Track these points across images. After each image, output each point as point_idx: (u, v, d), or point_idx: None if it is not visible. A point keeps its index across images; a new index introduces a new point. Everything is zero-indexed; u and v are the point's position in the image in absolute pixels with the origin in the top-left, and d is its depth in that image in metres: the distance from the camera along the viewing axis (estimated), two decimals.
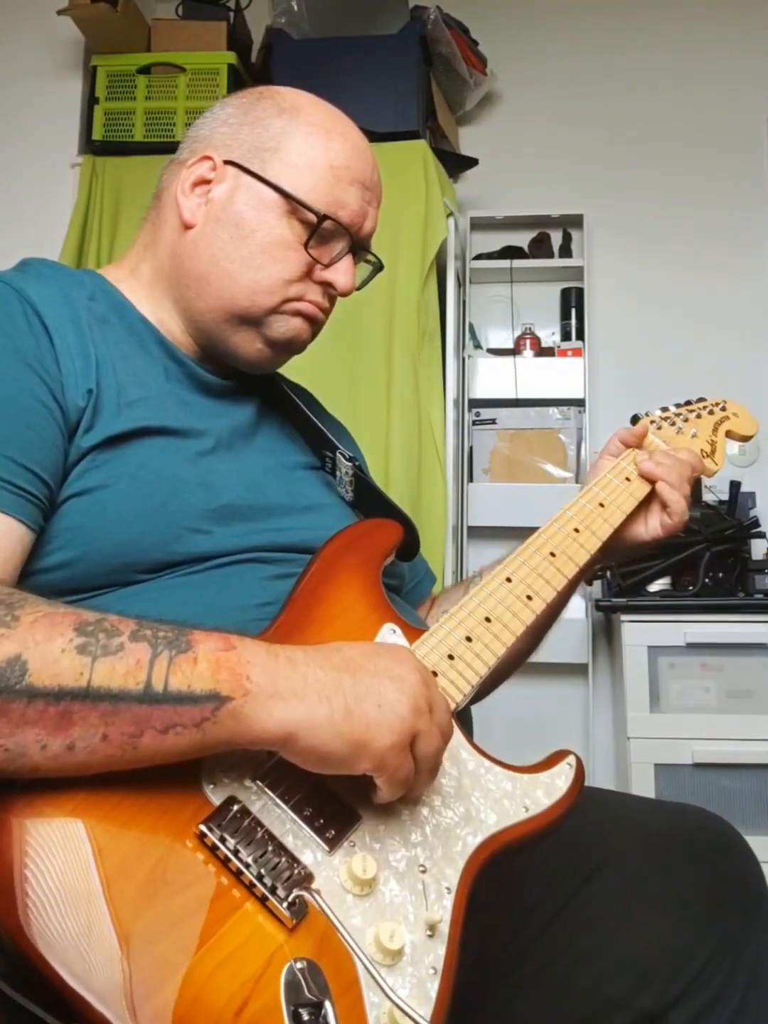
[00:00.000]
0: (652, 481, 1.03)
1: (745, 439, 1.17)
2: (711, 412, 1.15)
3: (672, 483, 1.02)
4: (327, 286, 0.96)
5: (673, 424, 1.11)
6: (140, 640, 0.65)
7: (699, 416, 1.14)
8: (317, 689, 0.67)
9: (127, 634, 0.65)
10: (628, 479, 1.03)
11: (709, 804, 1.00)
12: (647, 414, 1.12)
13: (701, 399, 1.17)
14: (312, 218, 0.92)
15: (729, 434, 1.15)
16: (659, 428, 1.10)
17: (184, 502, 0.85)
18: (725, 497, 2.53)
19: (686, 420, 1.12)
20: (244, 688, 0.65)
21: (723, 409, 1.16)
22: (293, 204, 0.92)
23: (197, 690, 0.64)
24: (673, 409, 1.14)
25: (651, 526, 1.05)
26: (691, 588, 2.43)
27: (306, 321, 0.96)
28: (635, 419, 1.11)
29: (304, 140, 0.94)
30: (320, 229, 0.93)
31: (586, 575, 1.09)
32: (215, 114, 1.00)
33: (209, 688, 0.65)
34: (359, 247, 0.98)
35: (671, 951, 0.86)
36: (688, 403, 1.16)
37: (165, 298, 0.97)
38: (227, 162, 0.95)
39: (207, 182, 0.96)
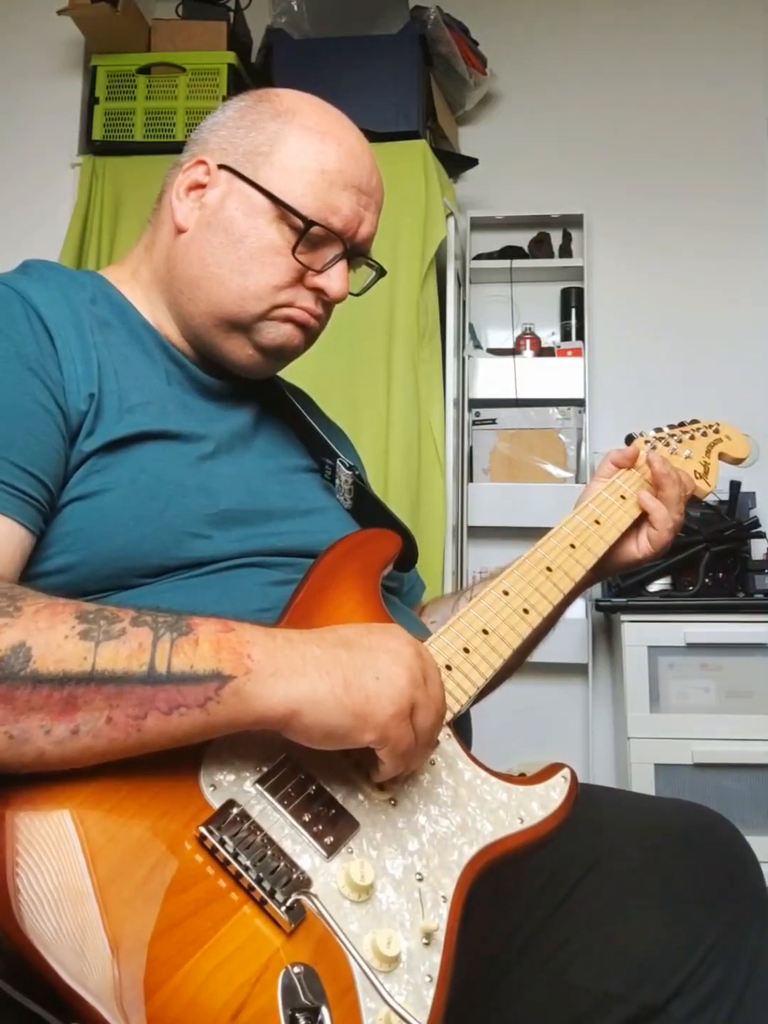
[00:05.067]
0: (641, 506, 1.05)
1: (737, 462, 1.19)
2: (704, 434, 1.17)
3: (664, 498, 1.03)
4: (319, 292, 0.95)
5: (667, 444, 1.12)
6: (141, 625, 0.66)
7: (693, 437, 1.15)
8: (316, 665, 0.68)
9: (128, 620, 0.66)
10: (623, 497, 1.05)
11: (709, 804, 1.01)
12: (641, 434, 1.13)
13: (694, 421, 1.18)
14: (301, 224, 0.92)
15: (722, 456, 1.17)
16: (653, 448, 1.11)
17: (184, 507, 0.86)
18: (725, 497, 2.53)
19: (680, 441, 1.14)
20: (246, 666, 0.66)
21: (716, 431, 1.18)
22: (282, 209, 0.92)
23: (200, 670, 0.65)
24: (667, 430, 1.15)
25: (642, 544, 1.06)
26: (691, 588, 2.43)
27: (297, 328, 0.96)
28: (629, 439, 1.12)
29: (297, 144, 0.93)
30: (309, 235, 0.92)
31: (582, 590, 1.11)
32: (215, 117, 1.00)
33: (212, 668, 0.65)
34: (356, 252, 0.97)
35: (669, 946, 0.87)
36: (681, 424, 1.17)
37: (161, 301, 0.97)
38: (221, 166, 0.95)
39: (202, 186, 0.96)
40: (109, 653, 0.64)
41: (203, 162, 0.96)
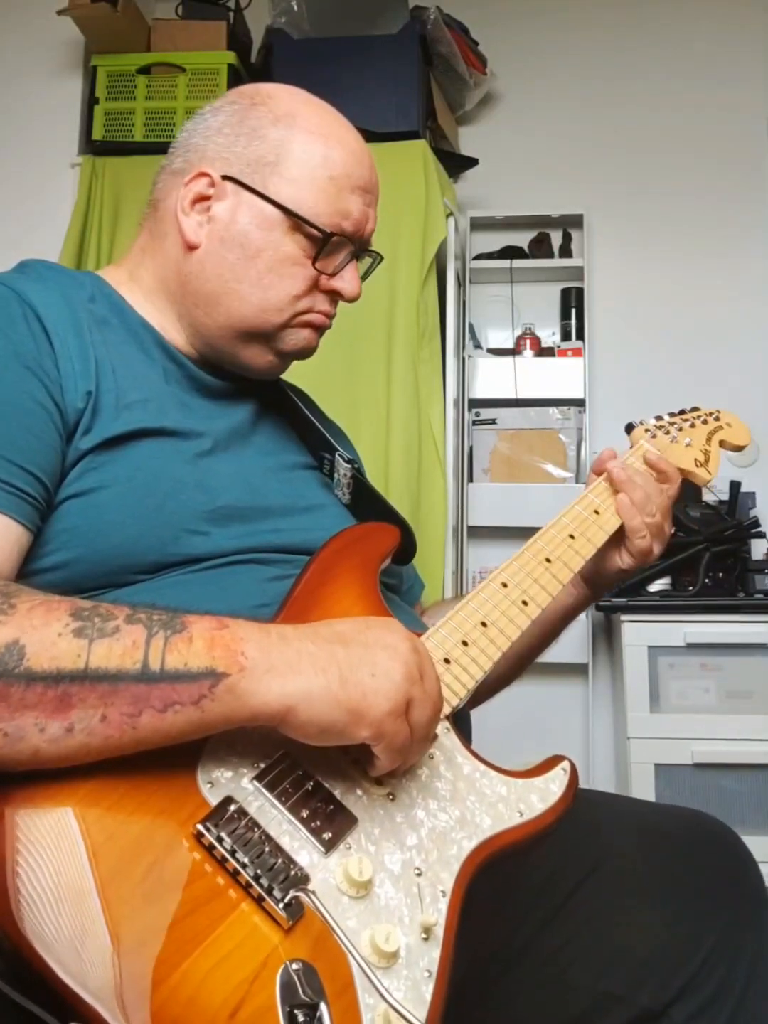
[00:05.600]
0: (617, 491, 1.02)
1: (737, 449, 1.18)
2: (704, 421, 1.16)
3: (635, 501, 1.01)
4: (335, 294, 0.96)
5: (667, 433, 1.11)
6: (135, 622, 0.66)
7: (693, 425, 1.14)
8: (311, 661, 0.68)
9: (122, 617, 0.66)
10: None
11: (709, 804, 1.01)
12: (641, 422, 1.12)
13: (695, 408, 1.17)
14: (317, 234, 0.92)
15: (722, 444, 1.16)
16: (653, 437, 1.10)
17: (181, 503, 0.86)
18: (725, 497, 2.53)
19: (680, 429, 1.12)
20: (240, 664, 0.66)
21: (717, 419, 1.17)
22: (297, 221, 0.92)
23: (194, 667, 0.65)
24: (667, 418, 1.14)
25: (624, 555, 1.04)
26: (691, 588, 2.43)
27: (315, 331, 0.98)
28: (630, 427, 1.11)
29: (302, 151, 0.93)
30: (328, 245, 0.93)
31: (581, 610, 1.10)
32: (207, 122, 0.98)
33: (205, 665, 0.65)
34: (363, 249, 0.98)
35: (670, 948, 0.87)
36: (682, 412, 1.16)
37: (169, 309, 0.97)
38: (225, 178, 0.94)
39: (206, 198, 0.95)
40: (103, 651, 0.64)
41: (205, 174, 0.95)
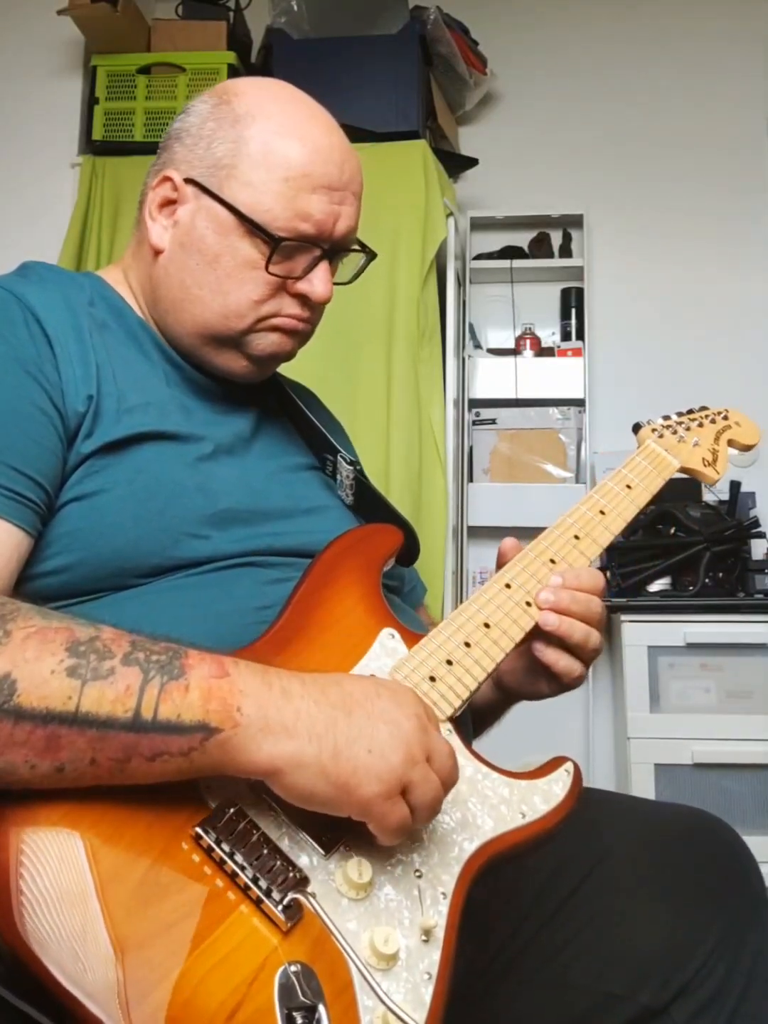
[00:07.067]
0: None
1: (747, 448, 1.16)
2: (713, 421, 1.14)
3: (574, 642, 0.87)
4: (303, 297, 0.93)
5: (675, 432, 1.09)
6: (132, 664, 0.64)
7: (701, 425, 1.12)
8: (308, 725, 0.66)
9: (119, 657, 0.65)
10: (629, 487, 1.01)
11: (709, 804, 1.01)
12: (648, 422, 1.10)
13: (703, 407, 1.15)
14: (269, 239, 0.90)
15: (731, 443, 1.14)
16: (661, 436, 1.08)
17: (182, 507, 0.85)
18: (725, 497, 2.53)
19: (688, 429, 1.11)
20: (234, 720, 0.65)
21: (725, 418, 1.15)
22: (251, 226, 0.90)
23: (186, 720, 0.64)
24: (675, 417, 1.12)
25: (552, 686, 0.91)
26: (691, 588, 2.42)
27: (286, 335, 0.95)
28: (637, 427, 1.10)
29: (258, 151, 0.90)
30: (281, 247, 0.90)
31: (501, 713, 1.01)
32: (180, 121, 0.96)
33: (198, 718, 0.64)
34: (338, 248, 0.95)
35: (671, 947, 0.87)
36: (690, 412, 1.14)
37: (150, 313, 0.97)
38: (187, 181, 0.93)
39: (173, 202, 0.94)
40: (95, 694, 0.63)
41: (169, 178, 0.94)
